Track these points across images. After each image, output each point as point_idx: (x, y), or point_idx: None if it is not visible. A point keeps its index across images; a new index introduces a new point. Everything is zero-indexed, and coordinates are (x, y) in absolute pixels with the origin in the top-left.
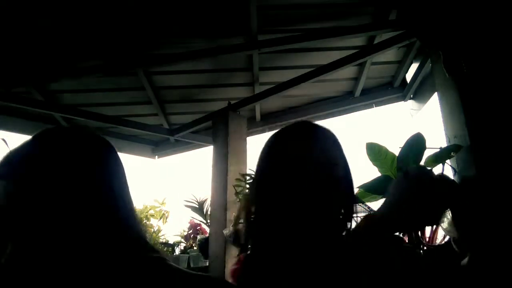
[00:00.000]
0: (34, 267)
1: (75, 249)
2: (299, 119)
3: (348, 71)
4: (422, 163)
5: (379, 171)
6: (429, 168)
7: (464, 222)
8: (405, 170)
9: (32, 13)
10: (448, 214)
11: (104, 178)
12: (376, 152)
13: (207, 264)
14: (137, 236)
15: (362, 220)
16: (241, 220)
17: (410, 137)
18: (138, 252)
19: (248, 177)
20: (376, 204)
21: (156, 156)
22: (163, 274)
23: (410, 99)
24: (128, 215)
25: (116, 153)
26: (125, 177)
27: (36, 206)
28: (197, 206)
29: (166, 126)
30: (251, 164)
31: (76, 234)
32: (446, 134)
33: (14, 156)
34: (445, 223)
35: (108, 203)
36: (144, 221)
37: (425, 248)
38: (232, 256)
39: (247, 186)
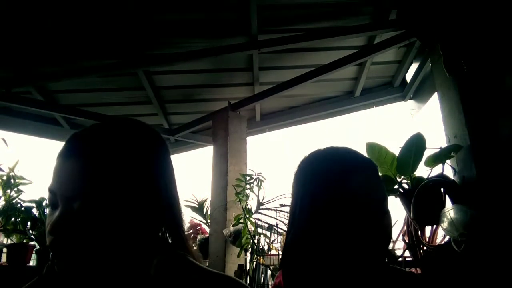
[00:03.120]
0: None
1: (118, 240)
2: (299, 118)
3: (348, 71)
4: (422, 163)
5: (379, 171)
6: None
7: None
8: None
9: (33, 14)
10: (448, 214)
11: (161, 171)
12: (376, 152)
13: (207, 264)
14: (178, 235)
15: None
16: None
17: (410, 137)
18: (167, 249)
19: (248, 177)
20: None
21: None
22: (183, 271)
23: (410, 99)
24: (177, 211)
25: (168, 149)
26: (174, 172)
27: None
28: (197, 206)
29: (166, 126)
30: (251, 164)
31: (128, 222)
32: (446, 134)
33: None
34: (445, 223)
35: (162, 197)
36: None
37: (425, 248)
38: (232, 256)
39: (247, 186)
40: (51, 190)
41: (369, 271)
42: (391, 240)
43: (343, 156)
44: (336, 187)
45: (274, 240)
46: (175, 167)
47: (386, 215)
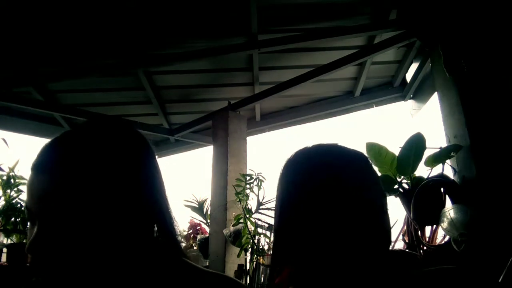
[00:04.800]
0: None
1: (108, 249)
2: (299, 118)
3: (348, 71)
4: (422, 163)
5: (379, 171)
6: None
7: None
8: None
9: (33, 14)
10: (448, 214)
11: (147, 177)
12: (376, 152)
13: (207, 264)
14: (170, 238)
15: None
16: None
17: (410, 137)
18: (164, 254)
19: (248, 177)
20: None
21: (156, 156)
22: (182, 273)
23: (410, 99)
24: (166, 217)
25: (153, 151)
26: (161, 176)
27: (80, 204)
28: (197, 206)
29: (166, 126)
30: (251, 164)
31: (113, 235)
32: (446, 134)
33: (60, 147)
34: (445, 223)
35: (150, 203)
36: None
37: (425, 248)
38: (232, 256)
39: (247, 186)
40: (27, 206)
41: (366, 271)
42: (391, 233)
43: (330, 148)
44: (321, 174)
45: None
46: (169, 168)
47: (385, 214)
